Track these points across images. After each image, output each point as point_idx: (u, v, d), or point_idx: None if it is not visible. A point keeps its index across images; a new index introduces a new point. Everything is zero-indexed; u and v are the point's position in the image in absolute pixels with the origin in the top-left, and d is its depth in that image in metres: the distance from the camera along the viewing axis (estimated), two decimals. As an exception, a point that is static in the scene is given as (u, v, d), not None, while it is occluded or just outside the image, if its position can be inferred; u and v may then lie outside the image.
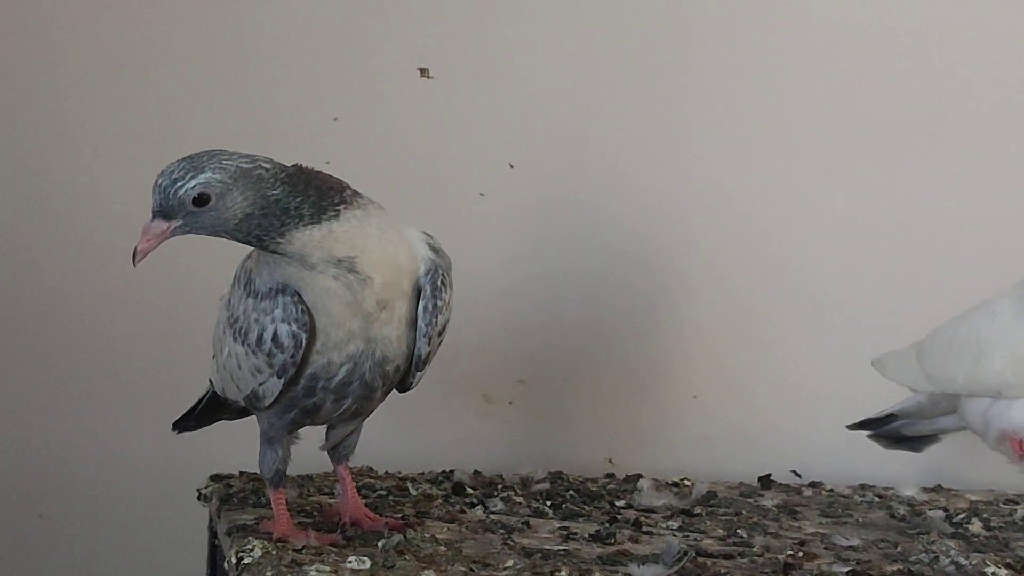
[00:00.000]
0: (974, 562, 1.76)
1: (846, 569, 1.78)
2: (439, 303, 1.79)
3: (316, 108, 2.38)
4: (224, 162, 1.68)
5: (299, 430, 1.85)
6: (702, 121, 2.45)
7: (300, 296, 1.72)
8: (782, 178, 2.45)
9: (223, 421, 2.03)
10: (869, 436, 2.16)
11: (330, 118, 2.38)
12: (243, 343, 1.76)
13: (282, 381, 1.74)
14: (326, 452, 1.91)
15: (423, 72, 2.40)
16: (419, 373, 1.83)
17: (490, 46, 2.42)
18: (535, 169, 2.43)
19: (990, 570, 1.72)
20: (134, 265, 1.69)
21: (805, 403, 2.45)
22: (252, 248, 1.77)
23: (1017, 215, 2.43)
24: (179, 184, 1.67)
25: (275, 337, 1.72)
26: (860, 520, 2.12)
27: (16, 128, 2.32)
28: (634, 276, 2.46)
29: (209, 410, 2.00)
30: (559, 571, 1.70)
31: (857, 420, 2.18)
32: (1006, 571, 1.73)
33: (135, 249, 1.67)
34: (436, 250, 1.82)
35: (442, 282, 1.80)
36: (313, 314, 1.72)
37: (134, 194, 2.28)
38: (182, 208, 1.67)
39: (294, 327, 1.71)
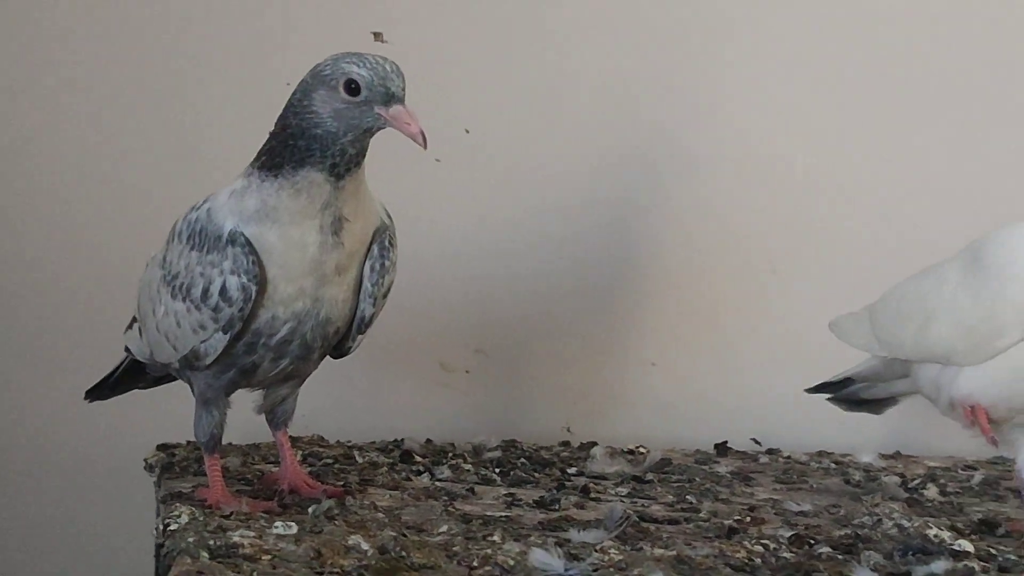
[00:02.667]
0: (916, 524, 1.72)
1: (790, 533, 1.74)
2: (386, 263, 1.77)
3: (268, 73, 2.33)
4: None
5: (232, 395, 1.81)
6: (659, 86, 2.41)
7: (251, 246, 1.68)
8: (740, 143, 2.42)
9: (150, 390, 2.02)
10: (829, 399, 2.12)
11: (283, 83, 2.33)
12: (184, 299, 1.73)
13: (227, 336, 1.71)
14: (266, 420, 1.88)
15: (377, 36, 2.37)
16: (360, 336, 1.80)
17: (444, 8, 2.39)
18: (492, 135, 2.40)
19: (932, 532, 1.69)
20: (425, 148, 1.69)
21: (765, 370, 2.42)
22: (202, 202, 1.75)
23: (975, 179, 2.40)
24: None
25: (223, 290, 1.69)
26: (814, 486, 2.09)
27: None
28: (591, 243, 2.43)
29: (124, 379, 1.97)
30: (492, 535, 1.67)
31: (815, 384, 2.13)
32: (949, 533, 1.69)
33: (422, 133, 1.68)
34: (387, 212, 1.80)
35: (390, 242, 1.78)
36: (265, 263, 1.69)
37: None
38: None
39: (244, 279, 1.68)
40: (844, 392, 2.10)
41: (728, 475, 2.13)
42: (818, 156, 2.42)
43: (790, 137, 2.42)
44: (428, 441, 2.24)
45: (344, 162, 1.68)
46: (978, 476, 2.14)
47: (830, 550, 1.68)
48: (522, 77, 2.40)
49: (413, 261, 2.35)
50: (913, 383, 1.98)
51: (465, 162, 2.40)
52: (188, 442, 2.11)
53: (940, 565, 1.61)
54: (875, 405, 2.10)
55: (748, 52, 2.41)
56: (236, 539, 1.59)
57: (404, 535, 1.66)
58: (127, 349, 1.93)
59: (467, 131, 2.39)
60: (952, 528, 1.74)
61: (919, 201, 2.42)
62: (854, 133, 2.41)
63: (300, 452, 2.11)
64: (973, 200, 2.39)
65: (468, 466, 2.09)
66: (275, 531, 1.63)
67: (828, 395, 2.12)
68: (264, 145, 1.71)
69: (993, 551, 1.68)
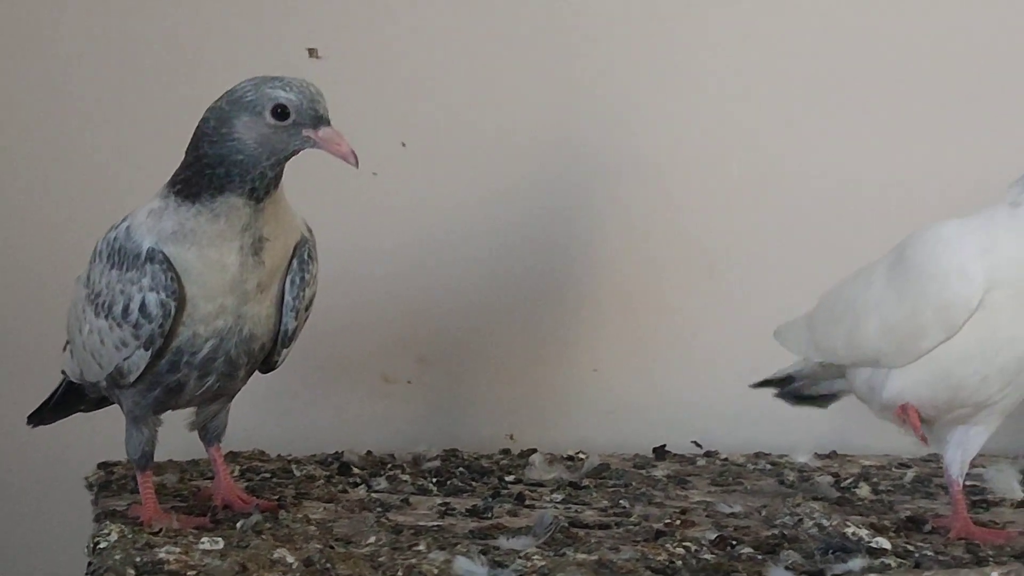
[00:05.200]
0: (835, 523, 1.75)
1: (715, 535, 1.76)
2: (307, 276, 1.79)
3: (204, 91, 2.34)
4: None
5: (162, 413, 1.83)
6: (594, 93, 2.43)
7: (170, 263, 1.70)
8: (677, 147, 2.43)
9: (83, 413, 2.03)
10: (775, 395, 2.14)
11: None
12: (107, 317, 1.75)
13: (149, 353, 1.72)
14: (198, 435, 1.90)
15: (312, 52, 2.38)
16: (285, 350, 1.82)
17: (378, 24, 2.41)
18: (428, 147, 2.42)
19: (851, 530, 1.71)
20: (357, 167, 1.70)
21: (705, 373, 2.44)
22: (121, 221, 1.76)
23: (908, 179, 2.42)
24: None
25: (142, 307, 1.71)
26: (749, 488, 2.11)
27: None
28: (532, 251, 2.45)
29: (64, 402, 1.99)
30: (418, 545, 1.69)
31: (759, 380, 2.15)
32: (867, 531, 1.71)
33: (353, 153, 1.70)
34: (307, 225, 1.82)
35: (309, 255, 1.80)
36: (184, 282, 1.71)
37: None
38: None
39: (163, 295, 1.70)
40: (787, 388, 2.12)
41: (664, 479, 2.15)
42: (753, 158, 2.44)
43: (725, 140, 2.44)
44: (369, 453, 2.25)
45: (263, 185, 1.70)
46: (911, 473, 2.16)
47: (751, 551, 1.70)
48: (458, 88, 2.42)
49: (353, 273, 2.40)
50: (849, 386, 2.00)
51: (402, 174, 2.42)
52: (129, 460, 2.12)
53: (857, 563, 1.63)
54: (819, 400, 2.12)
55: (687, 56, 2.44)
56: (162, 555, 1.61)
57: (331, 547, 1.68)
58: (63, 372, 1.95)
59: (403, 144, 2.41)
60: (871, 526, 1.76)
61: (855, 202, 2.44)
62: (788, 134, 2.43)
63: (239, 467, 2.13)
64: (908, 199, 2.41)
65: (406, 477, 2.10)
66: (201, 546, 1.65)
67: (773, 391, 2.14)
68: (179, 172, 1.72)
69: (911, 547, 1.71)
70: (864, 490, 2.07)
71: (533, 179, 2.45)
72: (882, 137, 2.44)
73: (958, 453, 1.88)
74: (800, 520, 1.78)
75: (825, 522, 1.74)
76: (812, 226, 2.44)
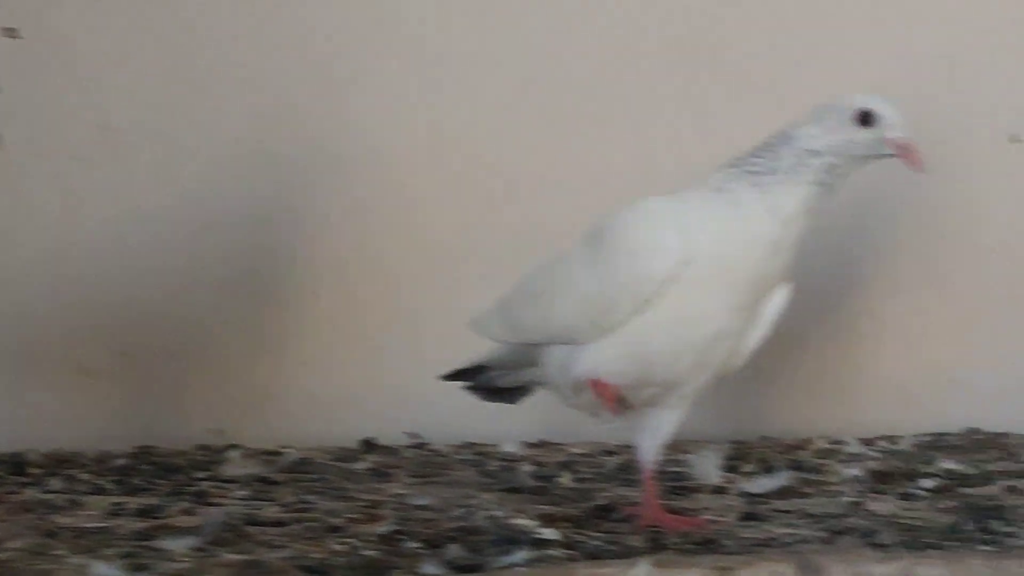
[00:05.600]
0: (504, 514, 1.69)
1: (387, 530, 1.69)
2: None
3: None
4: None
5: None
6: (318, 80, 2.35)
7: None
8: (400, 131, 2.35)
9: None
10: (465, 387, 2.07)
11: None
12: None
13: None
14: None
15: (9, 32, 2.26)
16: None
17: (79, 4, 2.30)
18: (133, 133, 2.32)
19: (519, 521, 1.65)
20: None
21: (422, 364, 2.34)
22: None
23: (622, 170, 2.37)
24: None
25: None
26: (450, 479, 2.04)
27: None
28: (238, 242, 2.36)
29: None
30: (58, 549, 1.58)
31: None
32: (535, 522, 1.66)
33: None
34: None
35: None
36: None
37: None
38: None
39: None
40: (480, 380, 2.05)
41: (365, 471, 2.08)
42: (475, 143, 2.37)
43: (444, 128, 2.36)
44: (53, 451, 2.13)
45: None
46: (615, 461, 2.12)
47: (418, 545, 1.63)
48: (167, 67, 2.33)
49: (52, 260, 2.29)
50: (542, 371, 1.94)
51: (106, 158, 2.32)
52: None
53: (521, 555, 1.57)
54: (511, 394, 2.05)
55: (415, 47, 2.36)
56: None
57: (-38, 554, 1.57)
58: None
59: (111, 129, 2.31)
60: (544, 516, 1.71)
61: (573, 196, 2.37)
62: (505, 123, 2.37)
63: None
64: (622, 190, 2.36)
65: (85, 476, 2.00)
66: None
67: (465, 384, 2.07)
68: None
69: (581, 538, 1.65)
70: (565, 479, 2.03)
71: (241, 167, 2.36)
72: (593, 131, 2.38)
73: (649, 438, 1.84)
74: (472, 512, 1.71)
75: (496, 513, 1.68)
76: (531, 221, 2.37)
